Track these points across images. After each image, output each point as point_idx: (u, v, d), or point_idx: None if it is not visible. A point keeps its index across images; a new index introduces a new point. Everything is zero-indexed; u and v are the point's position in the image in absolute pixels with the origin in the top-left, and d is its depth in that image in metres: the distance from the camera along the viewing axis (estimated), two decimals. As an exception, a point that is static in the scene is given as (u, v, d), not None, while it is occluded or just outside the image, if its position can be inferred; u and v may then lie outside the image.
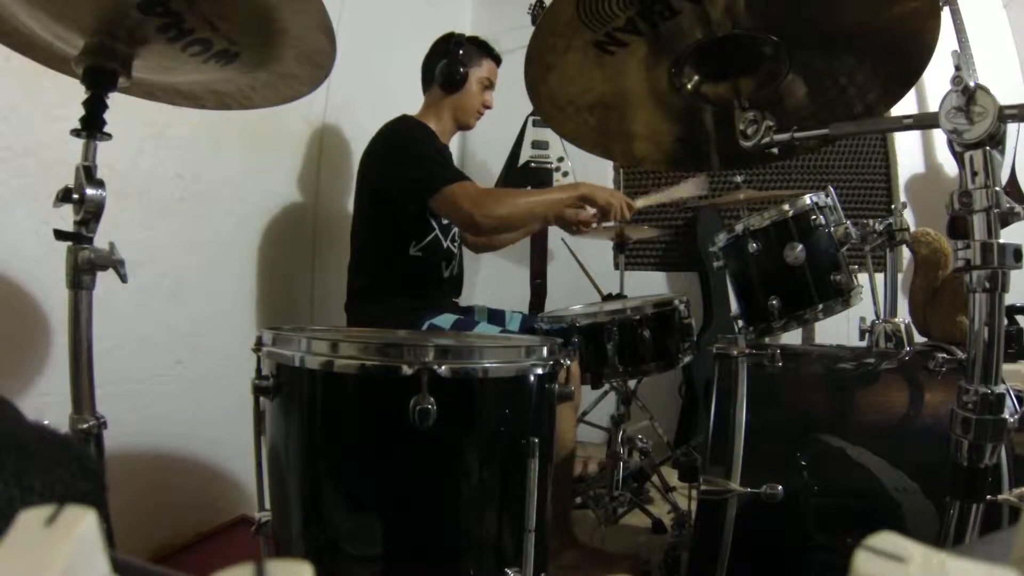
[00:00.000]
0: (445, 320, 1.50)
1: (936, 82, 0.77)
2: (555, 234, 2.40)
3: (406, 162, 1.54)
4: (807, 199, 1.19)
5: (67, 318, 0.80)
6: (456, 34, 1.74)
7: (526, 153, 2.47)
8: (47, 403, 1.08)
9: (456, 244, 1.73)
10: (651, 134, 1.04)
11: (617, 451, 1.56)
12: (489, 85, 1.75)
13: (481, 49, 1.74)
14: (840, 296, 1.16)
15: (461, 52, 1.68)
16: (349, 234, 1.70)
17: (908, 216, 1.37)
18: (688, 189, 1.86)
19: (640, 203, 1.70)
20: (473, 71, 1.70)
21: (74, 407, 0.80)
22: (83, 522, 0.17)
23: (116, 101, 0.83)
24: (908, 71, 0.84)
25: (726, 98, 0.90)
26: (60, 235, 0.79)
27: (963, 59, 1.38)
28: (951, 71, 0.62)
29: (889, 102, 0.90)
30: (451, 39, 1.72)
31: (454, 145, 1.83)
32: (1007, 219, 0.62)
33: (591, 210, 1.66)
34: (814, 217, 1.17)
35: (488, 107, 1.77)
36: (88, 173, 0.79)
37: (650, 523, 1.58)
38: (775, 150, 0.83)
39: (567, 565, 1.29)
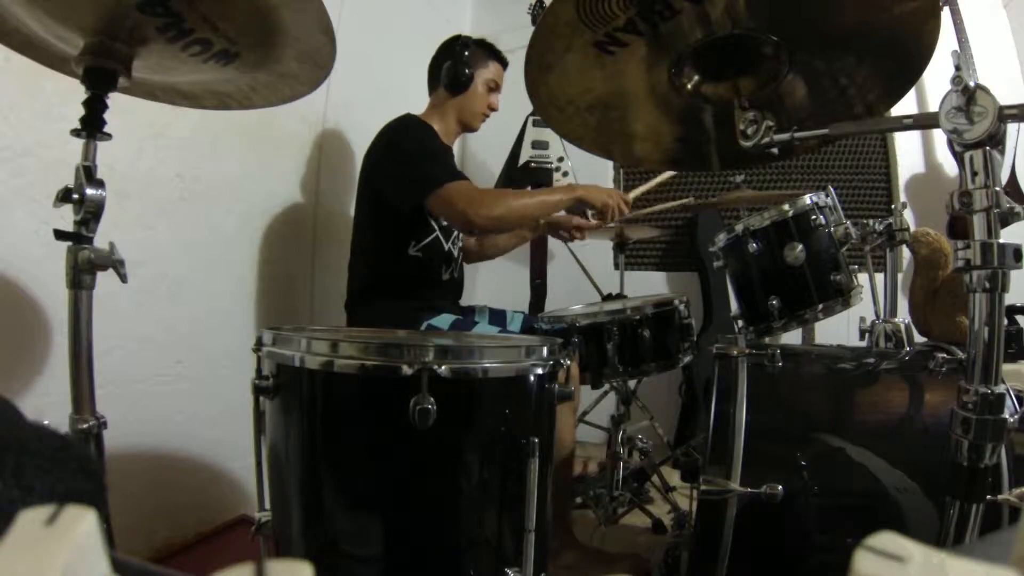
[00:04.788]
0: (443, 320, 1.50)
1: (936, 82, 0.78)
2: (555, 234, 2.40)
3: (404, 161, 1.54)
4: (807, 199, 1.19)
5: (67, 318, 0.80)
6: (464, 36, 1.74)
7: (526, 153, 2.47)
8: (47, 403, 1.08)
9: (457, 247, 1.73)
10: (651, 134, 1.04)
11: (617, 451, 1.56)
12: (495, 88, 1.75)
13: (488, 52, 1.74)
14: (840, 296, 1.16)
15: (467, 54, 1.69)
16: (350, 234, 1.70)
17: (908, 216, 1.37)
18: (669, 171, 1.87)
19: (632, 195, 1.70)
20: (479, 73, 1.70)
21: (74, 407, 0.80)
22: (83, 522, 0.17)
23: (116, 101, 0.83)
24: (908, 71, 0.84)
25: (726, 98, 0.90)
26: (60, 235, 0.79)
27: (963, 59, 1.38)
28: (951, 71, 0.62)
29: (889, 102, 0.90)
30: (458, 41, 1.72)
31: (455, 145, 1.84)
32: (1007, 219, 0.62)
33: (588, 217, 1.67)
34: (814, 217, 1.17)
35: (493, 109, 1.77)
36: (88, 173, 0.79)
37: (650, 523, 1.58)
38: (775, 150, 0.83)
39: (567, 565, 1.29)
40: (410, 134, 1.59)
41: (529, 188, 2.41)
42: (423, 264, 1.62)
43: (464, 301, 1.81)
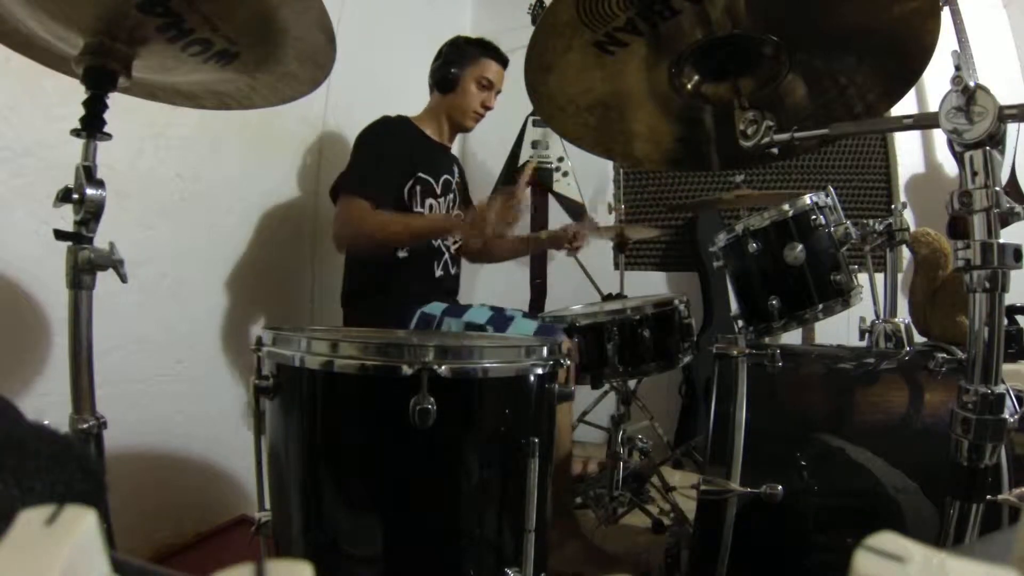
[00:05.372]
0: (435, 308, 1.49)
1: (936, 82, 0.77)
2: (555, 234, 2.40)
3: (351, 162, 1.58)
4: (807, 199, 1.19)
5: (67, 318, 0.80)
6: (458, 37, 1.74)
7: (526, 153, 2.47)
8: (47, 403, 1.08)
9: (448, 244, 1.72)
10: (651, 134, 1.04)
11: (617, 451, 1.56)
12: (487, 85, 1.72)
13: (480, 49, 1.72)
14: (840, 296, 1.16)
15: (453, 53, 1.69)
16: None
17: (908, 216, 1.37)
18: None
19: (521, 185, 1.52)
20: (468, 71, 1.69)
21: (74, 407, 0.80)
22: (83, 522, 0.17)
23: (116, 101, 0.83)
24: (908, 71, 0.84)
25: (726, 98, 0.90)
26: (60, 235, 0.79)
27: (963, 59, 1.38)
28: (951, 71, 0.62)
29: (889, 102, 0.90)
30: (449, 42, 1.72)
31: (455, 145, 1.83)
32: (1007, 219, 0.62)
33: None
34: (814, 217, 1.17)
35: (488, 107, 1.75)
36: (88, 173, 0.79)
37: (650, 523, 1.58)
38: (775, 150, 0.83)
39: (569, 558, 1.28)
40: (366, 137, 1.59)
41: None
42: (413, 263, 1.61)
43: (464, 301, 1.81)
